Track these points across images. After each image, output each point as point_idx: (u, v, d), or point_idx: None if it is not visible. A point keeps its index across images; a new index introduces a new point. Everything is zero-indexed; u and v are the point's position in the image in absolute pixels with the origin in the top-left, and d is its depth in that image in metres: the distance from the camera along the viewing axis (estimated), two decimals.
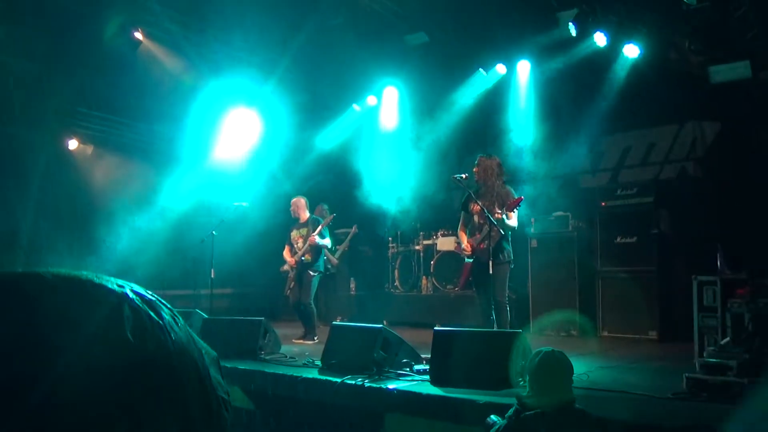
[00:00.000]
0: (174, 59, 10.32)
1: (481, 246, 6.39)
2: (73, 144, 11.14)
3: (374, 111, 11.87)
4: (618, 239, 8.62)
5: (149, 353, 0.74)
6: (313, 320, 8.52)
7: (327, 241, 8.68)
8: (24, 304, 0.71)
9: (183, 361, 0.78)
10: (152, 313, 0.81)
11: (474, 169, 6.68)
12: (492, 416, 3.63)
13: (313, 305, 8.59)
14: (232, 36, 10.45)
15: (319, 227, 8.46)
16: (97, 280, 0.80)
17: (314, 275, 8.54)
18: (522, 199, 6.30)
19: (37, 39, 9.76)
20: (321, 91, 11.67)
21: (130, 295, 0.81)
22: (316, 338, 8.30)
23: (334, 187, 11.97)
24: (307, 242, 8.48)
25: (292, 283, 8.61)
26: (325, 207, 10.17)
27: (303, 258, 8.52)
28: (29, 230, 10.63)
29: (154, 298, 0.86)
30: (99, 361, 0.68)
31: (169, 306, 0.87)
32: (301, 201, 8.88)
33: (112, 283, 0.82)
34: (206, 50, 10.58)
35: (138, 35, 9.86)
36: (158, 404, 0.70)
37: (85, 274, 0.82)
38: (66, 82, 10.22)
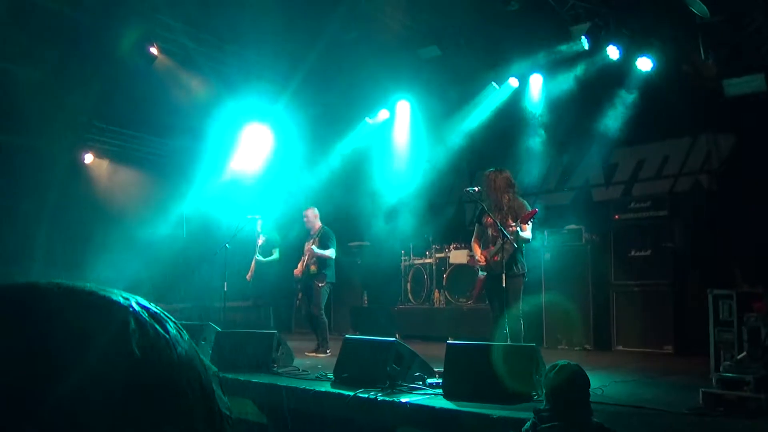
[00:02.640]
0: (189, 74, 10.44)
1: (495, 258, 6.37)
2: (88, 158, 11.28)
3: (387, 124, 11.92)
4: (632, 252, 8.57)
5: (155, 367, 0.73)
6: (324, 332, 8.48)
7: (329, 252, 8.54)
8: (26, 317, 0.70)
9: (188, 376, 0.77)
10: (158, 327, 0.80)
11: (484, 184, 6.68)
12: None
13: (324, 317, 8.53)
14: (246, 51, 10.57)
15: (312, 241, 8.51)
16: (102, 293, 0.79)
17: (322, 286, 8.49)
18: (536, 212, 6.29)
19: (53, 53, 9.91)
20: (334, 105, 11.75)
21: (136, 308, 0.80)
22: (329, 351, 8.28)
23: (346, 200, 12.00)
24: (306, 253, 8.52)
25: (300, 294, 8.65)
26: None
27: (309, 269, 8.48)
28: (44, 243, 10.75)
29: (158, 311, 0.85)
30: (104, 375, 0.68)
31: (173, 319, 0.86)
32: (312, 211, 8.85)
33: (117, 295, 0.81)
34: (221, 65, 10.71)
35: (153, 50, 9.99)
36: (162, 418, 0.70)
37: (90, 285, 0.81)
38: (82, 97, 10.36)
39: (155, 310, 0.82)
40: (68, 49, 9.88)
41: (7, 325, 0.69)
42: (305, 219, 8.83)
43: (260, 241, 9.43)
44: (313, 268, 8.51)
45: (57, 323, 0.69)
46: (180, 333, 0.83)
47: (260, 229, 9.61)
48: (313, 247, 8.43)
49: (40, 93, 9.93)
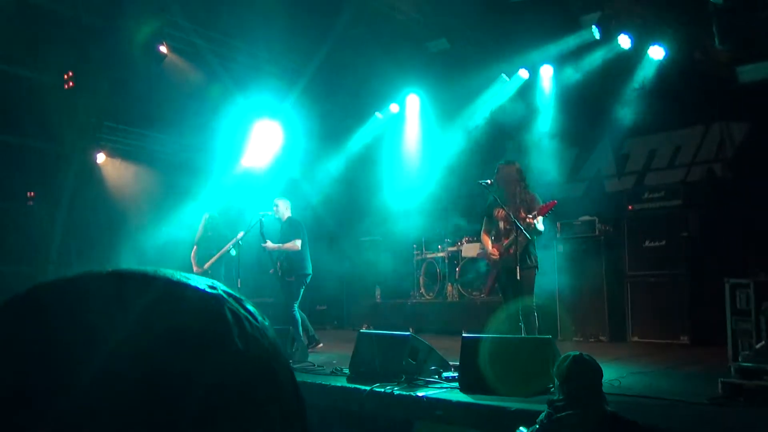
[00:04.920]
0: (199, 72, 10.46)
1: (510, 251, 6.34)
2: (101, 158, 11.32)
3: (397, 118, 11.89)
4: (646, 243, 8.50)
5: (255, 358, 0.68)
6: (298, 328, 7.86)
7: (289, 245, 7.99)
8: (121, 306, 0.62)
9: (279, 362, 0.72)
10: (249, 316, 0.73)
11: (495, 177, 6.62)
12: (521, 428, 3.61)
13: (295, 314, 7.96)
14: (255, 48, 10.58)
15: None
16: (193, 283, 0.70)
17: (292, 280, 8.04)
18: (555, 203, 6.22)
19: (63, 55, 9.96)
20: (343, 100, 11.74)
21: (225, 296, 0.72)
22: (316, 346, 8.11)
23: (357, 195, 12.00)
24: (265, 248, 8.13)
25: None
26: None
27: (281, 266, 8.09)
28: (59, 244, 10.82)
29: (242, 297, 0.77)
30: (211, 372, 0.62)
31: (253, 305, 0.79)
32: (283, 202, 8.39)
33: (203, 283, 0.72)
34: (230, 62, 10.73)
35: (163, 49, 10.02)
36: (266, 408, 0.66)
37: (175, 273, 0.72)
38: (93, 97, 10.41)
39: (239, 296, 0.75)
40: (79, 50, 9.93)
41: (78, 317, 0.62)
42: (275, 209, 8.32)
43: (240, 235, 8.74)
44: (285, 265, 8.10)
45: (157, 320, 0.63)
46: (264, 319, 0.76)
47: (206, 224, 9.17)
48: (269, 242, 8.03)
49: (52, 95, 9.98)
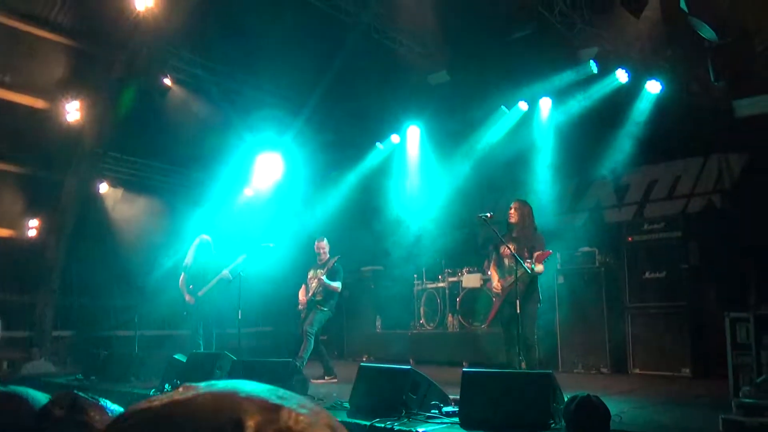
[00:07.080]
0: (202, 104, 10.58)
1: (515, 286, 6.40)
2: (103, 187, 11.40)
3: (398, 149, 11.98)
4: (646, 274, 8.51)
5: None
6: (307, 351, 8.24)
7: (336, 285, 8.53)
8: None
9: None
10: None
11: (510, 212, 6.77)
12: None
13: (311, 339, 8.31)
14: (259, 80, 10.71)
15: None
16: None
17: (322, 310, 8.50)
18: (550, 253, 6.45)
19: (69, 85, 10.09)
20: (345, 131, 11.85)
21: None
22: (331, 379, 8.39)
23: (358, 225, 12.04)
24: (311, 281, 8.60)
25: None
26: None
27: (315, 297, 8.51)
28: (62, 272, 10.84)
29: None
30: None
31: None
32: (325, 242, 8.86)
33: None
34: (234, 94, 10.86)
35: (167, 81, 10.15)
36: None
37: None
38: (97, 128, 10.51)
39: None
40: (83, 82, 10.06)
41: None
42: (317, 248, 8.79)
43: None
44: (318, 297, 8.53)
45: None
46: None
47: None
48: (324, 277, 8.44)
49: (56, 125, 10.08)
